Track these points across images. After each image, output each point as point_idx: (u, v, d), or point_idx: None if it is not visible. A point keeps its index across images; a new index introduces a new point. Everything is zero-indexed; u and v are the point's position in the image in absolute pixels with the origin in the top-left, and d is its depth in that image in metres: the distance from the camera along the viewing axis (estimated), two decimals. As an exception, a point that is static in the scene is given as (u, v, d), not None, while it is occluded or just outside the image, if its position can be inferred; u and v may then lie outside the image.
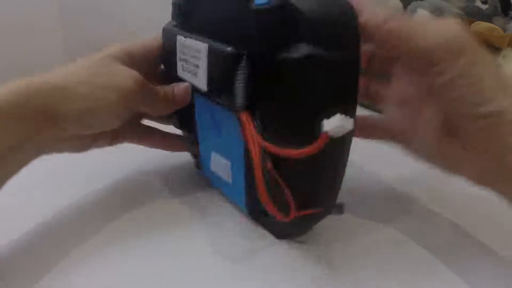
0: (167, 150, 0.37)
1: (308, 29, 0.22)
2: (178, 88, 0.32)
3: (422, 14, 0.54)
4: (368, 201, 0.34)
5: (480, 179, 0.26)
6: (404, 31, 0.25)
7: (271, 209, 0.25)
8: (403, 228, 0.31)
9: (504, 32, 0.49)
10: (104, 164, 0.38)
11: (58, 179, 0.37)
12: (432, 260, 0.28)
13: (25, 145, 0.28)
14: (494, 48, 0.47)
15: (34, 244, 0.29)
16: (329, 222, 0.29)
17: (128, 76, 0.30)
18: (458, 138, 0.26)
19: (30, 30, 0.84)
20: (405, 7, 0.56)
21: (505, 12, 0.58)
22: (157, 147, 0.37)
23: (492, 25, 0.49)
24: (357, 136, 0.29)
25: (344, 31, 0.24)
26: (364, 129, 0.31)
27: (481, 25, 0.48)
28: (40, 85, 0.28)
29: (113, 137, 0.34)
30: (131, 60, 0.32)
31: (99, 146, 0.33)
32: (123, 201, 0.34)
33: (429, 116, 0.27)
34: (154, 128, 0.37)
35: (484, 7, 0.58)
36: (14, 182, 0.28)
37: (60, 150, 0.31)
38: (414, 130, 0.28)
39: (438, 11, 0.54)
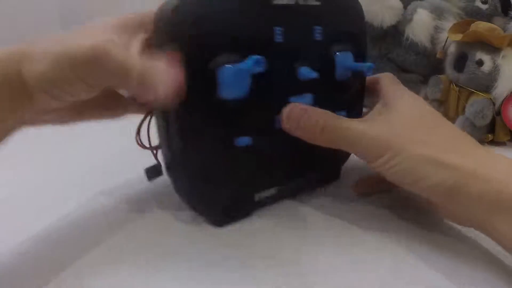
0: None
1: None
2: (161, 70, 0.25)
3: (422, 14, 0.54)
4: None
5: (462, 224, 0.30)
6: (339, 138, 0.29)
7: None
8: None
9: (504, 32, 0.49)
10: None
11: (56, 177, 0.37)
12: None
13: (5, 118, 0.25)
14: (494, 48, 0.47)
15: (32, 251, 0.29)
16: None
17: (90, 40, 0.24)
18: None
19: (30, 30, 0.84)
20: (405, 7, 0.56)
21: (505, 12, 0.58)
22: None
23: (492, 25, 0.49)
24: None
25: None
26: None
27: (481, 25, 0.48)
28: (6, 57, 0.25)
29: (99, 110, 0.31)
30: (123, 28, 0.27)
31: (84, 119, 0.31)
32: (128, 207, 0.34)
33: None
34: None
35: (484, 7, 0.58)
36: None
37: (42, 122, 0.29)
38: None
39: (438, 11, 0.54)
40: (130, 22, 0.28)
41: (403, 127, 0.29)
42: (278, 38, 0.27)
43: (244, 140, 0.28)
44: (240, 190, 0.31)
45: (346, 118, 0.30)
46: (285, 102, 0.29)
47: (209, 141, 0.27)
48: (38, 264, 0.28)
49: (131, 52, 0.26)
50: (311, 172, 0.35)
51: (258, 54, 0.25)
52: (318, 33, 0.29)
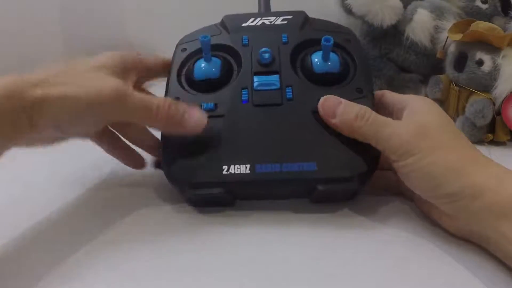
0: (127, 164, 0.37)
1: None
2: (193, 113, 0.31)
3: (422, 13, 0.54)
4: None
5: (464, 234, 0.30)
6: (368, 133, 0.30)
7: None
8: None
9: (504, 32, 0.49)
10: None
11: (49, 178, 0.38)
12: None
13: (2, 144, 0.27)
14: (494, 47, 0.47)
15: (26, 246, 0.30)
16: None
17: (108, 84, 0.29)
18: (432, 206, 0.30)
19: (30, 30, 0.84)
20: (405, 7, 0.56)
21: (505, 12, 0.58)
22: (117, 158, 0.37)
23: (492, 25, 0.49)
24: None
25: None
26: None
27: (481, 25, 0.48)
28: (18, 84, 0.27)
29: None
30: (122, 69, 0.32)
31: (66, 140, 0.33)
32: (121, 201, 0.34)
33: (406, 188, 0.32)
34: (120, 138, 0.36)
35: (484, 7, 0.58)
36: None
37: (32, 145, 0.31)
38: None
39: (438, 11, 0.54)
40: (124, 62, 0.32)
41: (432, 133, 0.30)
42: (245, 42, 0.38)
43: (208, 105, 0.34)
44: (208, 155, 0.32)
45: (381, 115, 0.31)
46: (251, 80, 0.36)
47: None
48: (27, 261, 0.28)
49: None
50: (305, 163, 0.32)
51: (231, 53, 0.38)
52: (285, 38, 0.38)
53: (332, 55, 0.36)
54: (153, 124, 0.32)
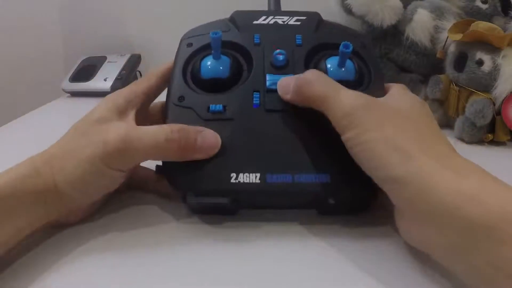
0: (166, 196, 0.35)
1: None
2: (205, 134, 0.30)
3: (422, 13, 0.54)
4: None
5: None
6: (319, 97, 0.28)
7: None
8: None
9: (504, 32, 0.49)
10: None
11: None
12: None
13: (36, 223, 0.28)
14: (494, 47, 0.47)
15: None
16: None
17: (112, 134, 0.28)
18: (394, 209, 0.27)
19: (30, 30, 0.84)
20: (405, 7, 0.56)
21: (505, 12, 0.58)
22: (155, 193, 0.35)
23: (492, 24, 0.49)
24: None
25: None
26: None
27: (481, 25, 0.48)
28: (39, 163, 0.28)
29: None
30: (119, 110, 0.31)
31: (97, 208, 0.33)
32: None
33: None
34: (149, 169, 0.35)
35: (484, 6, 0.58)
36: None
37: (67, 222, 0.31)
38: None
39: (438, 11, 0.54)
40: (118, 106, 0.31)
41: (387, 112, 0.27)
42: (256, 41, 0.36)
43: (216, 107, 0.32)
44: (215, 161, 0.30)
45: (338, 84, 0.29)
46: (263, 81, 0.34)
47: (189, 109, 0.33)
48: (27, 261, 0.28)
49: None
50: (318, 174, 0.30)
51: (242, 52, 0.36)
52: (299, 40, 0.37)
53: (348, 62, 0.34)
54: (167, 157, 0.30)
